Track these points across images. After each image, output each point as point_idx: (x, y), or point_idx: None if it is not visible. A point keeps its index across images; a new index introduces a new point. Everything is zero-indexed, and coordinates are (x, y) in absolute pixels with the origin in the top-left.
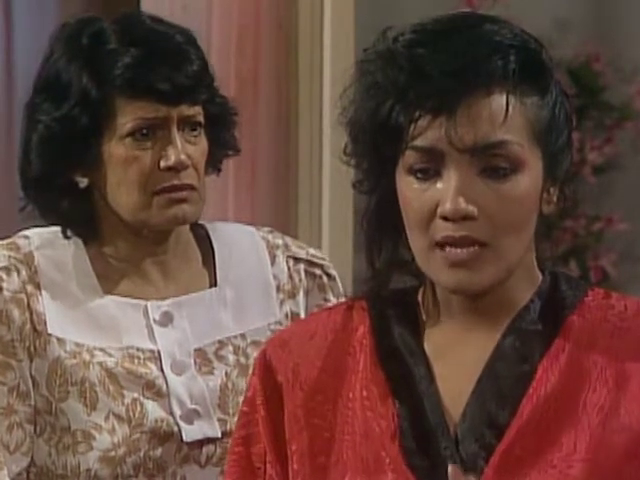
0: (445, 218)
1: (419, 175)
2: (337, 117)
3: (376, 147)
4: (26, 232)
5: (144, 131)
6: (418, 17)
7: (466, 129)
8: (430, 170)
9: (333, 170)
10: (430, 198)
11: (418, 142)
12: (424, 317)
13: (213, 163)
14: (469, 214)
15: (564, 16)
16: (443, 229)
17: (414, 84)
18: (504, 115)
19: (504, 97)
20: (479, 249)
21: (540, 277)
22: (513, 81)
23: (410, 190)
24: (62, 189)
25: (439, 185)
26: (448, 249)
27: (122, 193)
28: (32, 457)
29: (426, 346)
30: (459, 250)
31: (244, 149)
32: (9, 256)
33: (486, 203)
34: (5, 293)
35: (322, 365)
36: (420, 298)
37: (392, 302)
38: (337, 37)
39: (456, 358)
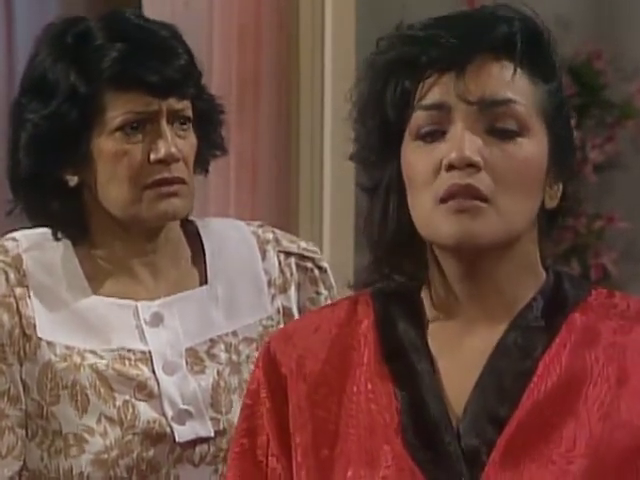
0: (451, 167)
1: (427, 139)
2: (341, 115)
3: (384, 122)
4: (14, 234)
5: (134, 125)
6: (419, 18)
7: (474, 83)
8: (437, 132)
9: (334, 169)
10: (435, 157)
11: (426, 100)
12: (428, 312)
13: (201, 163)
14: (474, 162)
15: (565, 14)
16: (448, 178)
17: (426, 50)
18: (512, 75)
19: (512, 65)
20: (481, 204)
21: (544, 275)
22: (520, 54)
23: (415, 154)
24: (52, 188)
25: (444, 144)
26: (452, 201)
27: (112, 188)
28: (24, 461)
29: (430, 342)
30: (463, 200)
31: (245, 148)
32: None
33: (491, 158)
34: None
35: (326, 358)
36: (423, 293)
37: (396, 297)
38: (338, 37)
39: (459, 354)
